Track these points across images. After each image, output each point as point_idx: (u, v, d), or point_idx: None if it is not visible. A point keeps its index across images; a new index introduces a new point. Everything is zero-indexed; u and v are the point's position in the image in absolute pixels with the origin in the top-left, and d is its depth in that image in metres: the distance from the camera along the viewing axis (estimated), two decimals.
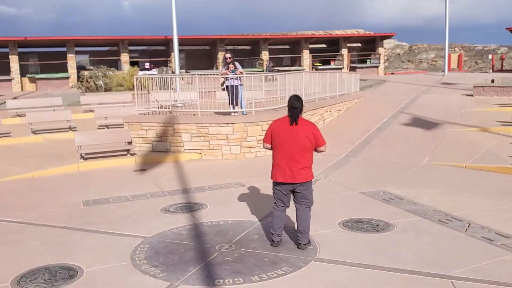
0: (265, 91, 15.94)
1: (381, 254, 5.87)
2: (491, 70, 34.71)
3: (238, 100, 13.32)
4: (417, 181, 9.77)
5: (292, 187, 5.95)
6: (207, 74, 15.69)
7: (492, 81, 19.71)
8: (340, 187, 9.41)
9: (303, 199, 5.99)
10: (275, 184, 6.05)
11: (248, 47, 40.99)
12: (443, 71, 31.20)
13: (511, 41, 71.95)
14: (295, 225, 6.21)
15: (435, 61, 55.13)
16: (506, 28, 35.19)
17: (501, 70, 36.07)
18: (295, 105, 5.89)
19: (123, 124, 13.99)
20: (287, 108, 6.05)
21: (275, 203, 6.14)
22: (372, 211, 7.70)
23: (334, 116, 17.49)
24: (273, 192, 6.15)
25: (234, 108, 13.26)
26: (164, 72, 30.21)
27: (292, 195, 6.08)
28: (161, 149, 13.15)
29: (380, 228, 6.88)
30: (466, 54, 54.37)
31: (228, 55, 13.36)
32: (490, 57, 37.36)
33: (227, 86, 13.23)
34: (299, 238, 6.06)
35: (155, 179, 10.49)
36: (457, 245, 6.12)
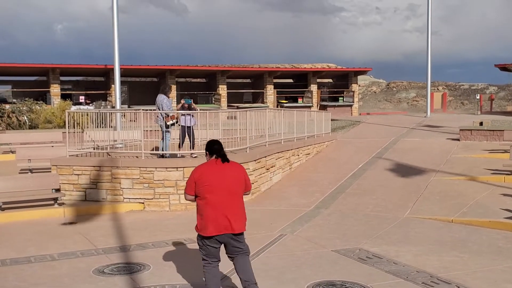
0: (222, 130, 16.03)
1: None
2: (479, 112, 36.03)
3: (194, 141, 13.70)
4: (397, 237, 9.88)
5: (226, 239, 6.02)
6: (154, 110, 15.66)
7: (481, 123, 20.44)
8: (309, 244, 9.41)
9: (239, 250, 6.11)
10: (206, 238, 6.07)
11: (204, 80, 41.37)
12: (426, 111, 32.18)
13: (501, 79, 75.24)
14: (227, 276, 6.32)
15: (416, 100, 56.94)
16: (496, 65, 36.75)
17: (490, 112, 37.48)
18: (216, 145, 6.19)
19: (50, 168, 13.71)
20: (206, 154, 6.28)
21: (205, 260, 6.17)
22: (347, 272, 7.70)
23: (302, 160, 17.67)
24: (202, 249, 6.18)
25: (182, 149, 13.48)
26: (102, 107, 30.00)
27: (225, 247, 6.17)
28: (96, 198, 12.91)
29: None
30: (451, 93, 56.44)
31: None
32: (477, 97, 38.82)
33: (182, 126, 13.42)
34: None
35: (87, 234, 10.24)
36: None
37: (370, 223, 11.09)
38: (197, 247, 9.06)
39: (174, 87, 33.94)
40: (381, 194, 13.49)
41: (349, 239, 9.72)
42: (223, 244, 6.11)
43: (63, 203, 12.54)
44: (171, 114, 13.47)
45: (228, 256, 6.21)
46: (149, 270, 7.88)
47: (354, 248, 9.03)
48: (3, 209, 11.82)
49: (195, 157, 13.30)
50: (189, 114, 13.54)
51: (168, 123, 13.38)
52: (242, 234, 6.11)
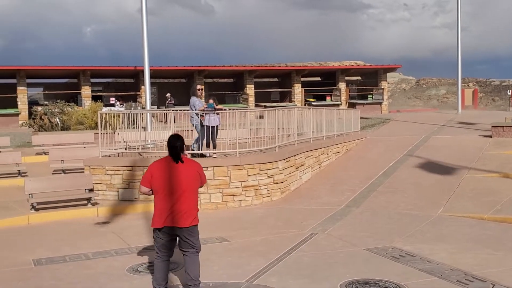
0: (250, 130, 16.06)
1: None
2: (511, 108, 35.46)
3: (216, 141, 13.80)
4: (430, 235, 9.79)
5: (176, 232, 6.36)
6: (184, 110, 15.77)
7: None
8: (341, 243, 9.37)
9: (190, 248, 6.43)
10: (157, 230, 6.39)
11: (231, 80, 41.49)
12: (456, 108, 31.78)
13: None
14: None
15: (446, 97, 56.15)
16: None
17: None
18: (175, 143, 6.40)
19: (83, 169, 13.89)
20: (167, 148, 6.52)
21: (156, 253, 6.50)
22: (380, 270, 7.66)
23: (332, 159, 17.60)
24: (154, 240, 6.50)
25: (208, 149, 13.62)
26: (133, 108, 30.28)
27: (178, 242, 6.51)
28: (128, 197, 13.02)
29: None
30: (481, 90, 55.49)
31: (199, 86, 14.31)
32: (509, 93, 38.20)
33: (206, 126, 13.42)
34: (190, 286, 6.40)
35: (121, 233, 10.36)
36: None
37: (402, 221, 10.99)
38: (228, 245, 9.19)
39: (202, 87, 34.08)
40: (413, 192, 13.36)
41: (381, 237, 9.64)
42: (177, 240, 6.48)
43: (96, 203, 12.69)
44: (201, 114, 13.50)
45: (181, 250, 6.51)
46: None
47: (387, 247, 8.96)
48: (37, 209, 12.00)
49: (215, 157, 13.35)
50: (214, 113, 13.54)
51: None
52: (193, 228, 6.39)
